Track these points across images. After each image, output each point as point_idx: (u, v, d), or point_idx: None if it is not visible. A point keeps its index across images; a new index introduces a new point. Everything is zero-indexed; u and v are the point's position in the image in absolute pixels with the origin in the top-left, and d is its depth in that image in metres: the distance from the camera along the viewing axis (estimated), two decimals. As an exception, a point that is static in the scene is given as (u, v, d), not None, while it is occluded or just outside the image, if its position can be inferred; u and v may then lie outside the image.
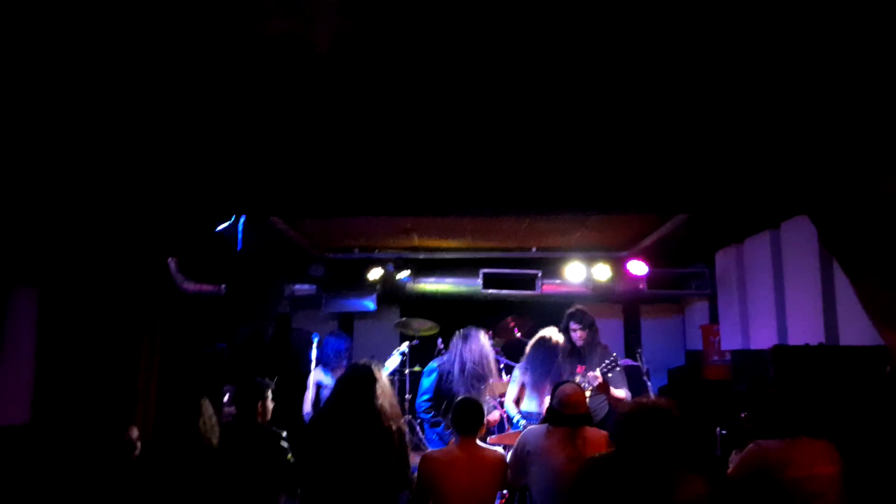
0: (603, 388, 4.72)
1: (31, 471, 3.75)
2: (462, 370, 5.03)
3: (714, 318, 7.07)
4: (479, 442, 3.51)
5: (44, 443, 4.22)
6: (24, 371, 4.71)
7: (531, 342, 5.26)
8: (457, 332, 5.36)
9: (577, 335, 4.97)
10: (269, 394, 3.76)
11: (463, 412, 3.49)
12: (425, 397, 5.09)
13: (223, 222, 5.09)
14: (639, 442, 2.55)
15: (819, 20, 2.77)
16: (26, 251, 4.44)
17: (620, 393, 4.83)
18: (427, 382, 5.14)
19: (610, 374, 4.77)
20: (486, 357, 5.15)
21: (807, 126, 3.48)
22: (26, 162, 3.65)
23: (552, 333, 5.13)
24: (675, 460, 2.54)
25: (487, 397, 5.23)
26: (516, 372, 5.26)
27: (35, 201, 4.02)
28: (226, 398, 5.73)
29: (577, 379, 4.68)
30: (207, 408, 3.33)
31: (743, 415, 5.00)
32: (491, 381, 5.22)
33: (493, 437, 5.27)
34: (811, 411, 3.04)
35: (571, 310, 5.13)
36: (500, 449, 3.66)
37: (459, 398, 3.69)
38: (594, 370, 4.74)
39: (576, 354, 4.98)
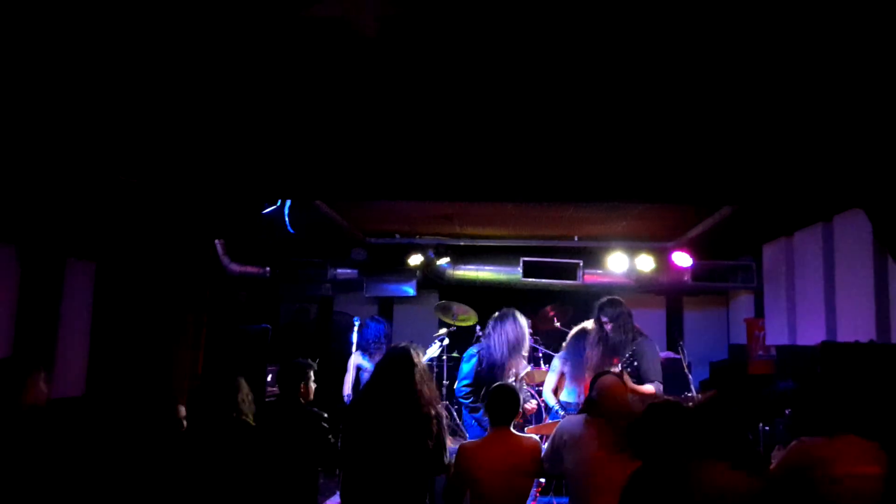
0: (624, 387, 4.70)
1: (86, 443, 3.91)
2: (501, 350, 5.03)
3: (759, 311, 6.92)
4: (513, 430, 3.52)
5: (98, 415, 4.40)
6: (80, 344, 4.93)
7: (571, 333, 5.24)
8: (494, 315, 5.36)
9: (609, 327, 4.93)
10: (312, 375, 3.83)
11: (498, 401, 3.51)
12: (465, 382, 5.12)
13: (269, 206, 5.19)
14: (648, 441, 2.54)
15: (875, 6, 2.68)
16: (84, 225, 4.61)
17: (648, 388, 4.76)
18: (467, 368, 5.17)
19: (629, 370, 4.71)
20: (523, 335, 5.15)
21: (862, 116, 3.36)
22: (84, 142, 3.79)
23: (581, 329, 5.12)
24: (692, 452, 2.48)
25: (525, 386, 5.23)
26: (556, 362, 5.24)
27: (93, 178, 4.17)
28: (269, 378, 5.87)
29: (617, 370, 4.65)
30: (244, 385, 3.43)
31: (787, 411, 4.91)
32: (524, 362, 5.23)
33: (531, 426, 5.29)
34: (858, 409, 2.97)
35: (602, 300, 5.08)
36: (535, 437, 3.66)
37: (495, 385, 3.69)
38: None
39: (609, 347, 4.93)
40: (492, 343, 5.13)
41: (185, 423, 3.57)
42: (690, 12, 2.78)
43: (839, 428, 2.92)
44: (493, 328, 5.20)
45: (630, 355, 4.72)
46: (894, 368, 3.81)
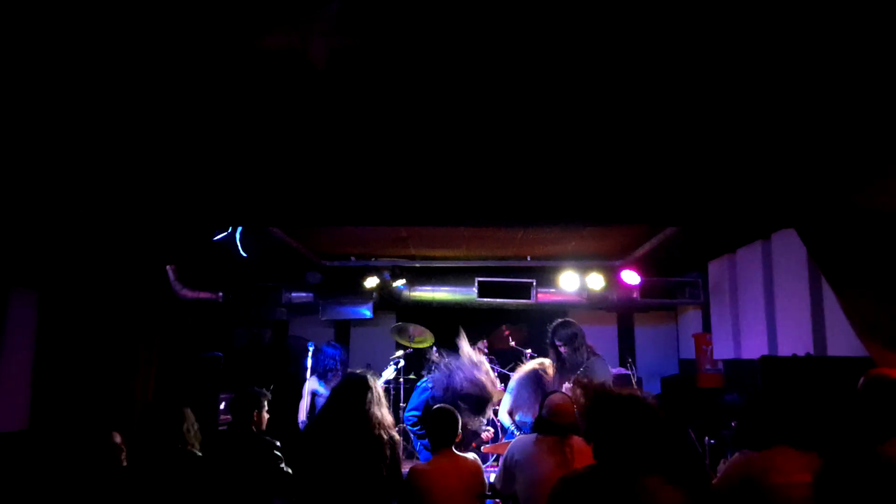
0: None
1: (30, 477, 3.80)
2: (451, 397, 4.96)
3: (707, 326, 7.14)
4: (454, 450, 3.57)
5: (41, 450, 4.26)
6: (23, 376, 4.77)
7: (523, 369, 5.25)
8: (439, 358, 5.14)
9: (564, 350, 5.04)
10: (265, 404, 3.81)
11: (437, 424, 3.56)
12: (413, 412, 5.08)
13: (221, 231, 5.15)
14: (610, 434, 2.38)
15: (802, 36, 2.84)
16: (26, 253, 4.49)
17: None
18: (417, 399, 5.14)
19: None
20: (477, 382, 5.01)
21: (793, 140, 3.54)
22: (28, 168, 3.71)
23: (538, 365, 5.16)
24: (650, 464, 2.32)
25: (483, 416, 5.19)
26: (513, 382, 5.28)
27: (36, 205, 4.08)
28: (222, 406, 5.78)
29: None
30: (189, 415, 3.39)
31: (733, 424, 5.07)
32: (492, 402, 5.15)
33: (487, 446, 5.32)
34: (795, 421, 3.10)
35: (555, 323, 5.16)
36: (475, 455, 3.70)
37: (434, 409, 3.72)
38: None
39: (564, 368, 5.02)
40: (442, 386, 5.00)
41: (123, 451, 3.50)
42: (628, 44, 2.91)
43: (777, 439, 3.04)
44: (442, 372, 5.05)
45: (580, 373, 4.81)
46: (830, 380, 3.98)
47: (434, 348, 6.73)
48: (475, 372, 4.95)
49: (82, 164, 3.80)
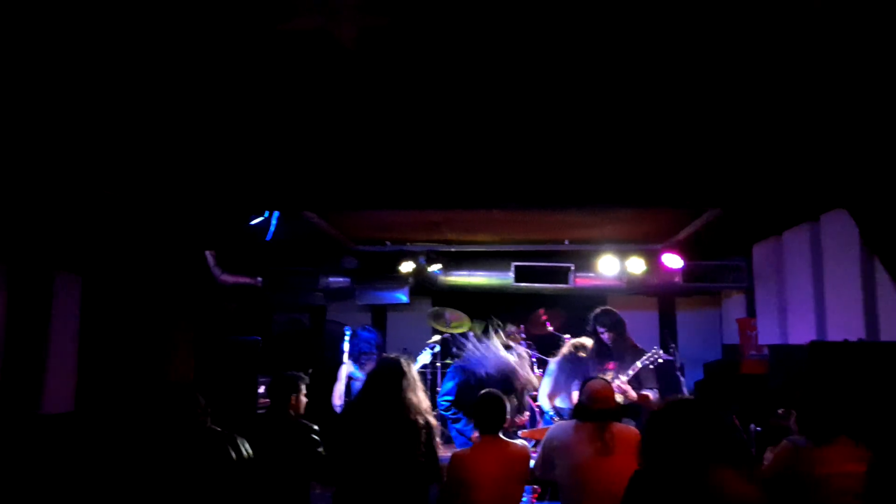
0: (643, 398, 4.70)
1: (77, 459, 3.89)
2: (484, 377, 4.98)
3: (751, 311, 6.94)
4: (502, 436, 3.52)
5: (87, 432, 4.37)
6: (69, 360, 4.90)
7: (561, 352, 5.22)
8: (469, 343, 5.20)
9: (606, 337, 4.95)
10: (303, 388, 3.83)
11: (485, 409, 3.51)
12: (446, 397, 5.09)
13: (258, 216, 5.19)
14: (671, 440, 2.33)
15: (858, 7, 2.70)
16: (70, 238, 4.60)
17: (648, 393, 4.79)
18: (450, 383, 5.14)
19: (651, 366, 4.75)
20: (503, 368, 5.02)
21: (846, 118, 3.38)
22: (72, 155, 3.78)
23: (580, 344, 5.11)
24: (712, 458, 2.29)
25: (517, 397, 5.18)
26: (552, 366, 5.23)
27: (80, 192, 4.16)
28: (261, 389, 5.85)
29: (609, 376, 4.65)
30: (200, 399, 3.37)
31: (780, 411, 4.92)
32: (520, 387, 5.13)
33: (524, 430, 5.28)
34: (846, 410, 2.98)
35: (596, 311, 5.10)
36: (524, 442, 3.66)
37: (482, 393, 3.67)
38: (630, 365, 4.72)
39: (606, 354, 4.95)
40: (475, 367, 5.02)
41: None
42: (677, 20, 2.80)
43: (827, 429, 2.93)
44: (473, 354, 5.07)
45: (654, 352, 4.74)
46: (883, 367, 3.82)
47: (470, 333, 6.72)
48: (503, 357, 4.93)
49: (124, 152, 3.86)
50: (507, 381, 4.87)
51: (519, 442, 3.61)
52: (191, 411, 3.28)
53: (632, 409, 4.69)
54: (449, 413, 5.06)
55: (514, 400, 5.01)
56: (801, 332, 5.62)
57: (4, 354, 4.29)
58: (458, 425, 5.05)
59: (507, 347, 5.18)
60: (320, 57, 3.02)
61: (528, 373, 5.20)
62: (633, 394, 4.63)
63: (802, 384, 3.19)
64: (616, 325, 4.95)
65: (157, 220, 4.82)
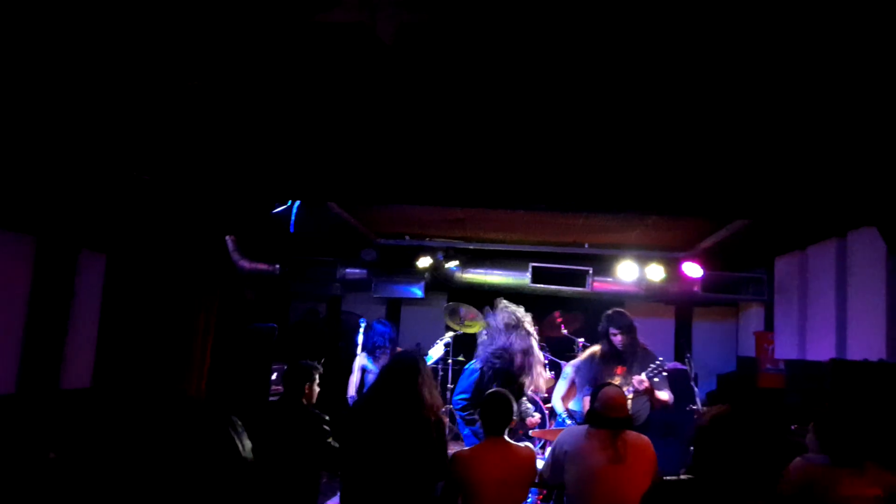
0: (648, 390, 4.65)
1: (94, 435, 3.93)
2: (506, 363, 4.93)
3: (769, 325, 6.87)
4: (507, 438, 3.49)
5: (104, 408, 4.43)
6: (90, 336, 4.97)
7: (586, 352, 5.17)
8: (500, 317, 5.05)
9: (618, 339, 4.88)
10: (317, 377, 3.84)
11: (492, 409, 3.46)
12: (463, 395, 5.01)
13: (280, 205, 5.22)
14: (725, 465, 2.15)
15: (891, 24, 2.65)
16: (96, 217, 4.65)
17: (664, 395, 4.74)
18: (466, 381, 5.08)
19: (656, 379, 4.69)
20: (532, 352, 5.00)
21: (879, 134, 3.33)
22: (101, 137, 3.82)
23: (596, 352, 5.06)
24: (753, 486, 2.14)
25: (527, 395, 5.15)
26: (568, 369, 5.18)
27: (108, 172, 4.21)
28: (274, 377, 5.89)
29: (618, 381, 4.62)
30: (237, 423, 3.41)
31: (794, 427, 4.86)
32: (531, 377, 5.09)
33: (535, 430, 5.26)
34: (867, 433, 2.94)
35: (609, 313, 5.00)
36: (530, 444, 3.64)
37: (488, 393, 3.64)
38: (637, 373, 4.67)
39: (616, 357, 4.90)
40: (499, 354, 4.97)
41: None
42: (706, 27, 2.77)
43: (848, 449, 2.89)
44: (499, 336, 5.03)
45: (657, 365, 4.68)
46: (904, 389, 3.77)
47: (485, 331, 6.68)
48: (529, 340, 4.88)
49: (155, 135, 3.89)
50: (521, 366, 4.81)
51: (524, 444, 3.58)
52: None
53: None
54: (465, 413, 5.02)
55: (518, 396, 4.96)
56: (820, 349, 5.56)
57: (27, 327, 4.36)
58: (473, 427, 4.97)
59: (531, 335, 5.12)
60: (355, 50, 3.02)
61: (537, 371, 5.14)
62: (646, 383, 4.56)
63: (823, 402, 3.14)
64: (629, 329, 4.88)
65: (183, 203, 4.87)
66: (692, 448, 2.36)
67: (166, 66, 3.23)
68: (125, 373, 4.79)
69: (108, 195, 4.50)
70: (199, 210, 5.06)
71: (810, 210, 4.16)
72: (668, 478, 2.35)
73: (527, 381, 4.92)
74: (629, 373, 4.77)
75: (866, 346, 4.80)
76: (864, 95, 3.11)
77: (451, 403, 5.46)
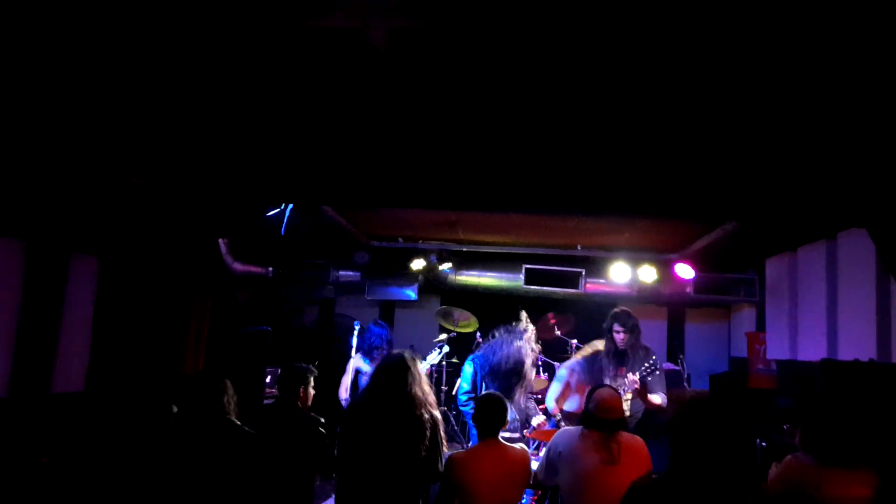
0: (640, 392, 4.66)
1: (86, 438, 3.93)
2: (498, 365, 4.97)
3: (761, 325, 6.91)
4: (501, 439, 3.50)
5: (97, 412, 4.41)
6: (81, 341, 4.95)
7: (586, 350, 5.19)
8: (501, 327, 5.23)
9: (620, 337, 4.89)
10: (312, 381, 3.84)
11: (485, 411, 3.48)
12: (465, 389, 5.08)
13: (273, 208, 5.21)
14: (700, 448, 2.15)
15: (880, 27, 2.68)
16: (87, 220, 4.64)
17: (657, 398, 4.75)
18: (467, 377, 5.12)
19: (649, 378, 4.70)
20: (524, 360, 5.03)
21: (868, 137, 3.36)
22: (92, 140, 3.81)
23: (592, 352, 5.09)
24: (734, 479, 2.14)
25: (523, 397, 5.16)
26: (563, 371, 5.20)
27: (99, 175, 4.19)
28: (268, 379, 5.88)
29: (618, 381, 4.63)
30: (229, 387, 3.47)
31: (785, 427, 4.89)
32: (525, 383, 5.12)
33: (529, 431, 5.27)
34: (855, 432, 2.96)
35: (615, 311, 5.04)
36: (524, 446, 3.65)
37: (482, 395, 3.66)
38: (634, 373, 4.68)
39: (618, 356, 4.92)
40: (495, 356, 5.04)
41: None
42: (695, 32, 2.80)
43: (835, 449, 2.91)
44: (500, 343, 5.08)
45: (651, 363, 4.70)
46: (894, 388, 3.80)
47: (478, 333, 6.71)
48: (524, 348, 4.92)
49: (144, 139, 3.88)
50: (517, 372, 4.87)
51: (518, 445, 3.59)
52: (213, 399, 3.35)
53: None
54: (468, 408, 5.04)
55: (521, 391, 5.00)
56: (811, 349, 5.59)
57: (18, 331, 4.34)
58: None
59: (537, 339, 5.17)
60: (348, 55, 3.03)
61: (531, 373, 5.18)
62: (638, 384, 4.59)
63: (811, 402, 3.16)
64: (634, 328, 4.91)
65: (175, 206, 4.85)
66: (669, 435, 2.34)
67: (159, 70, 3.23)
68: (118, 376, 4.78)
69: (99, 198, 4.48)
70: (192, 213, 5.05)
71: (800, 212, 4.19)
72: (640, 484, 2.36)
73: (525, 382, 4.99)
74: (628, 373, 4.79)
75: (857, 346, 4.84)
76: (854, 98, 3.14)
77: (447, 402, 5.48)
